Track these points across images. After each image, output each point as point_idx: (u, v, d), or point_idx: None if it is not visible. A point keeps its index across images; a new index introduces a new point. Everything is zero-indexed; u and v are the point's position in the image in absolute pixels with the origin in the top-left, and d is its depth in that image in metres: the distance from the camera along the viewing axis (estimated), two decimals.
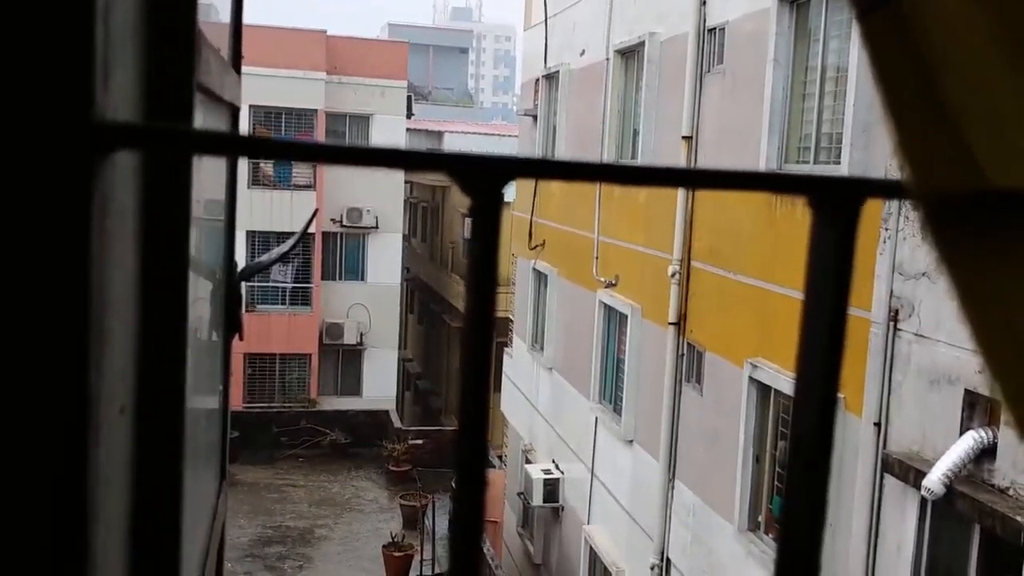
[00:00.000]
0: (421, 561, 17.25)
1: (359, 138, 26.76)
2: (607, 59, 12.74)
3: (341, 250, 26.95)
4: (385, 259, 27.12)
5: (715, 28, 9.84)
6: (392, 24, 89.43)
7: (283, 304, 26.19)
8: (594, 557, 12.75)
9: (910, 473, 6.30)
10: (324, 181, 25.80)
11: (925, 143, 0.44)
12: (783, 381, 8.21)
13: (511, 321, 17.68)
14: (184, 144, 0.64)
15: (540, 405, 15.57)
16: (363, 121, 26.82)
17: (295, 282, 26.18)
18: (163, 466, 0.99)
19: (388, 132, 26.57)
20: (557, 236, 14.66)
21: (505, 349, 17.77)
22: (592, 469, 13.00)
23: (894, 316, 6.73)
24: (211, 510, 1.90)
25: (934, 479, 5.89)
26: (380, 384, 26.98)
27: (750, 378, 8.76)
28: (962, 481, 5.87)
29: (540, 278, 15.60)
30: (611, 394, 12.70)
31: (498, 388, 17.76)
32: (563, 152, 14.72)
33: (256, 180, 25.16)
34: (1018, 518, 5.44)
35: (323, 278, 26.33)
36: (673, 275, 10.32)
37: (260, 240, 23.82)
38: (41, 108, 0.53)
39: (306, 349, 26.08)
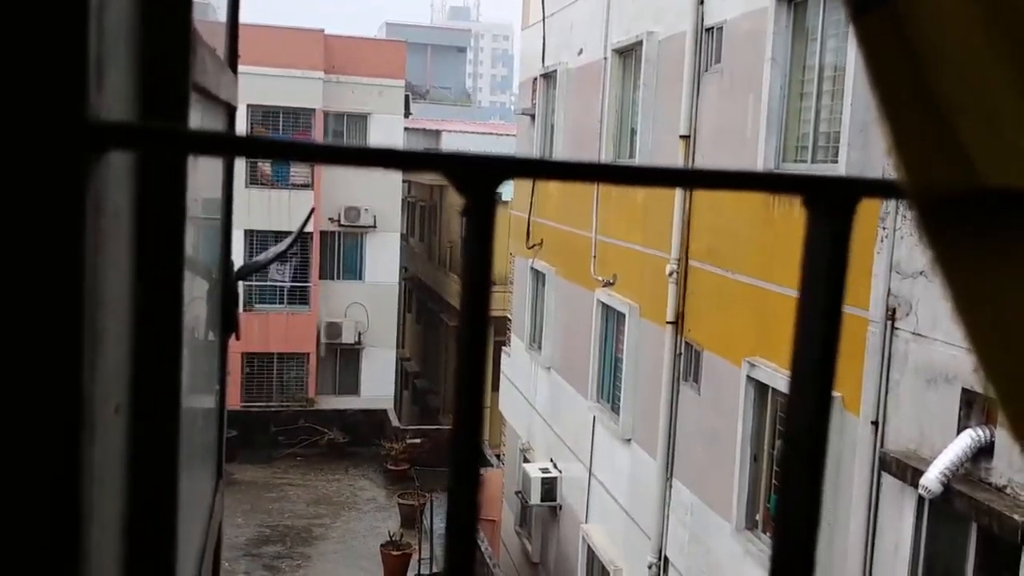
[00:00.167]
0: (419, 560, 17.25)
1: (357, 137, 26.76)
2: (605, 58, 12.74)
3: (339, 249, 26.96)
4: (383, 258, 27.13)
5: (713, 27, 9.85)
6: (390, 23, 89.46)
7: (281, 303, 26.20)
8: (592, 556, 12.76)
9: (907, 472, 6.31)
10: (322, 180, 25.80)
11: (920, 143, 0.44)
12: (781, 380, 8.21)
13: (509, 320, 17.68)
14: (178, 144, 0.63)
15: (538, 404, 15.57)
16: (361, 120, 26.82)
17: (293, 281, 26.19)
18: (159, 465, 0.99)
19: (386, 131, 26.58)
20: (555, 235, 14.66)
21: (503, 348, 17.77)
22: (590, 468, 13.01)
23: (891, 315, 6.74)
24: (208, 509, 1.90)
25: (931, 478, 5.89)
26: (378, 383, 26.99)
27: (748, 377, 8.77)
28: (959, 480, 5.88)
29: (538, 277, 15.60)
30: (609, 393, 12.70)
31: (496, 387, 17.77)
32: (561, 151, 14.72)
33: (254, 179, 25.17)
34: (1015, 516, 5.44)
35: (321, 277, 26.34)
36: (671, 274, 10.33)
37: (258, 239, 23.82)
38: (34, 107, 0.52)
39: (304, 348, 26.09)
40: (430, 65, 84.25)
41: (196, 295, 1.53)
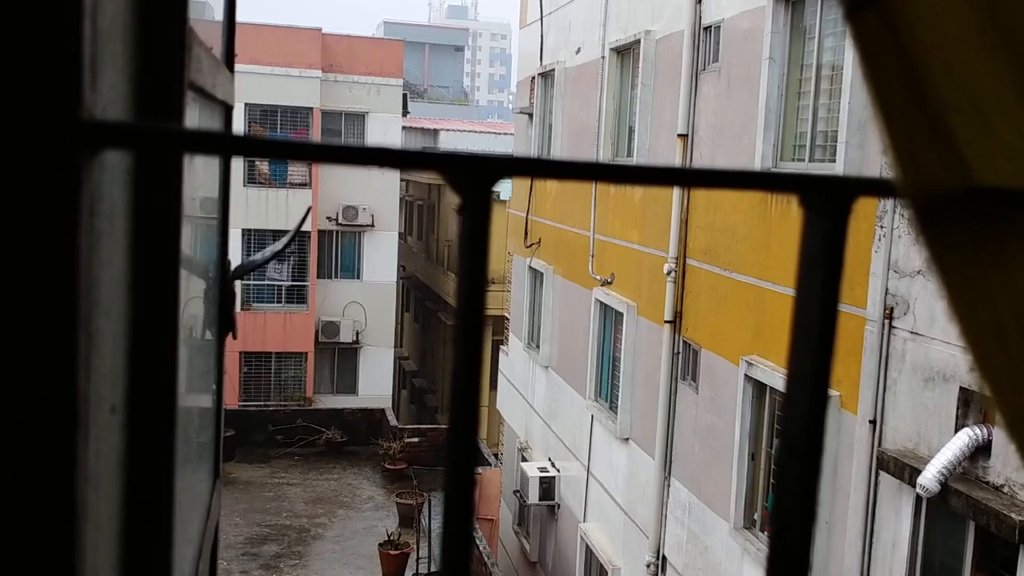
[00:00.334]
0: (417, 559, 17.26)
1: (355, 136, 26.74)
2: (603, 57, 12.75)
3: (337, 248, 26.96)
4: (381, 257, 27.13)
5: (710, 26, 9.85)
6: (388, 22, 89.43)
7: (279, 302, 26.19)
8: (590, 555, 12.77)
9: (905, 471, 6.31)
10: (320, 179, 25.79)
11: (914, 142, 0.44)
12: (778, 379, 8.21)
13: (507, 319, 17.68)
14: (174, 143, 0.63)
15: (536, 403, 15.57)
16: (359, 119, 26.81)
17: (291, 280, 26.18)
18: (155, 465, 0.99)
19: (384, 130, 26.58)
20: (553, 234, 14.66)
21: (501, 347, 17.77)
22: (588, 467, 13.02)
23: (889, 314, 6.74)
24: (205, 509, 1.89)
25: (929, 476, 5.90)
26: (376, 382, 26.99)
27: (745, 376, 8.78)
28: (957, 478, 5.89)
29: (536, 276, 15.61)
30: (607, 392, 12.71)
31: (494, 386, 17.77)
32: (559, 150, 14.72)
33: (252, 178, 25.16)
34: (1012, 515, 5.45)
35: (319, 276, 26.33)
36: (669, 273, 10.33)
37: (256, 238, 23.82)
38: (28, 106, 0.52)
39: (302, 347, 26.08)
40: (428, 64, 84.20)
41: (193, 294, 1.53)
